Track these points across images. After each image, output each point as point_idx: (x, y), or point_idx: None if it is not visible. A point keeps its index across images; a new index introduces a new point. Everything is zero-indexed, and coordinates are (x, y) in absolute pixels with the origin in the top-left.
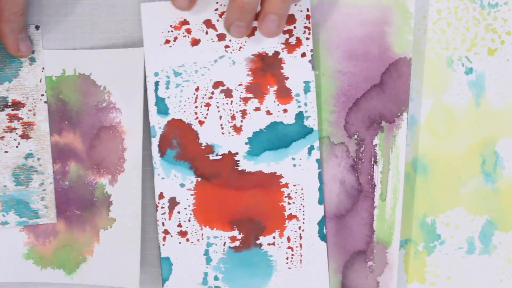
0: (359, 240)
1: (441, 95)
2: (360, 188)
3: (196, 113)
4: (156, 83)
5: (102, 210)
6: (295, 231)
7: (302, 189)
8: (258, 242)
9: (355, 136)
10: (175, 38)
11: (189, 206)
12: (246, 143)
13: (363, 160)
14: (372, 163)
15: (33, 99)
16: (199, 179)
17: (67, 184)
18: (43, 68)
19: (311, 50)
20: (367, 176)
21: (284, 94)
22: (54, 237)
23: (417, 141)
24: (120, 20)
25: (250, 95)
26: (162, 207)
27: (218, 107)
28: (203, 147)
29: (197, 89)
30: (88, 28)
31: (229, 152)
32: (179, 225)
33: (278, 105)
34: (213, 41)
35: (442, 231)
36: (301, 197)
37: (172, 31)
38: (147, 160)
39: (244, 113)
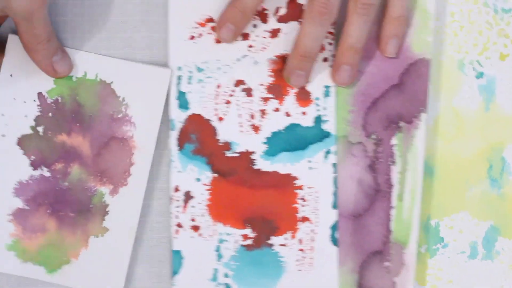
0: (376, 240)
1: (451, 98)
2: (377, 187)
3: (216, 109)
4: (179, 78)
5: (96, 217)
6: (307, 234)
7: (316, 192)
8: (269, 242)
9: (373, 136)
10: (200, 35)
11: (203, 201)
12: (263, 143)
13: (381, 160)
14: (390, 163)
15: None
16: (215, 175)
17: (66, 185)
18: None
19: (333, 55)
20: (385, 176)
21: (304, 97)
22: (42, 233)
23: (425, 143)
24: (141, 20)
25: (270, 96)
26: (177, 200)
27: (238, 105)
28: (221, 144)
29: (218, 86)
30: (107, 27)
31: (246, 150)
32: (193, 219)
33: (297, 107)
34: (237, 40)
35: (445, 234)
36: (315, 200)
37: (197, 27)
38: (162, 158)
39: (263, 113)
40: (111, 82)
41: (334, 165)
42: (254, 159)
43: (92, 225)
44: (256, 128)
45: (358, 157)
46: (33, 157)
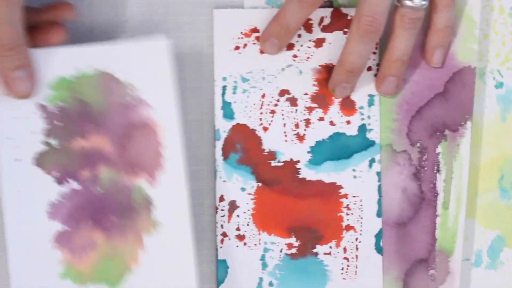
0: (421, 248)
1: None
2: (422, 196)
3: (260, 119)
4: (224, 88)
5: (143, 213)
6: (352, 242)
7: (361, 201)
8: (314, 250)
9: (418, 144)
10: (245, 45)
11: (248, 210)
12: (308, 152)
13: (425, 168)
14: (435, 171)
15: None
16: (260, 184)
17: (100, 191)
18: None
19: (377, 64)
20: (430, 185)
21: (348, 106)
22: (92, 249)
23: (470, 151)
24: (141, 20)
25: (314, 105)
26: (222, 210)
27: (282, 114)
28: (266, 153)
29: (263, 96)
30: (107, 26)
31: (291, 159)
32: (238, 229)
33: (341, 116)
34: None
35: None
36: (359, 209)
37: (242, 37)
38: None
39: (308, 122)
40: (109, 70)
41: (379, 173)
42: (299, 168)
43: (141, 223)
44: (300, 138)
45: (402, 165)
46: (56, 173)
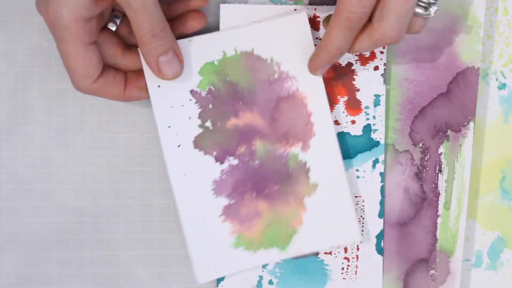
0: (421, 248)
1: None
2: (424, 196)
3: None
4: None
5: (301, 178)
6: None
7: (363, 201)
8: None
9: (420, 144)
10: None
11: None
12: None
13: (427, 168)
14: (437, 171)
15: None
16: None
17: (257, 163)
18: None
19: (384, 64)
20: (431, 185)
21: (354, 106)
22: (259, 218)
23: (472, 151)
24: None
25: None
26: None
27: None
28: None
29: None
30: None
31: None
32: None
33: (346, 115)
34: None
35: None
36: (361, 209)
37: None
38: (156, 160)
39: None
40: (252, 49)
41: (382, 174)
42: None
43: (300, 188)
44: None
45: (404, 165)
46: (215, 153)
